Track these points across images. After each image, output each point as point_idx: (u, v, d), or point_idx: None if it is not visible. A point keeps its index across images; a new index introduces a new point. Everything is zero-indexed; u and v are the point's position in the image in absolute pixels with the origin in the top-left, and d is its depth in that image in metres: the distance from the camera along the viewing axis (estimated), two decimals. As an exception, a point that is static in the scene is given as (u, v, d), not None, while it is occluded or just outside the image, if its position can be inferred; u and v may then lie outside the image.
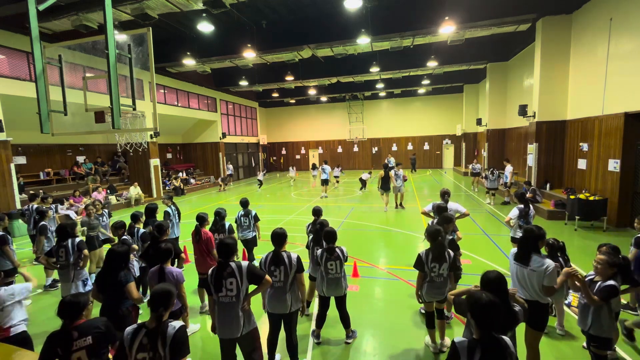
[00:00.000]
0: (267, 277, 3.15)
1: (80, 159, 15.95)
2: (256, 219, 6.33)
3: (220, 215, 5.56)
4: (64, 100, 4.82)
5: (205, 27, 12.00)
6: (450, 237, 4.56)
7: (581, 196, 8.99)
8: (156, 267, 3.72)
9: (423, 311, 4.58)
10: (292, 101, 29.32)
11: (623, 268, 3.17)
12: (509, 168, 12.93)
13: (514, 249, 3.44)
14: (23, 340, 3.28)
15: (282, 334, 3.66)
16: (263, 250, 3.79)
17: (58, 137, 7.95)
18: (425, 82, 22.99)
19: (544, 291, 3.17)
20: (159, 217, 6.13)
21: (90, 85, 5.82)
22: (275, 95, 26.42)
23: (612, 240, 4.16)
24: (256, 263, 3.35)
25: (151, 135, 15.41)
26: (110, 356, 2.67)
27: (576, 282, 3.19)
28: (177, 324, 2.31)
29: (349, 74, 19.58)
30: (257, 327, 3.22)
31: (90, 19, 9.71)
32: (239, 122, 26.05)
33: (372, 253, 7.70)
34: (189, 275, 5.71)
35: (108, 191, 14.86)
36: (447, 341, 4.02)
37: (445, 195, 5.97)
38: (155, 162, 16.97)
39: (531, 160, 12.28)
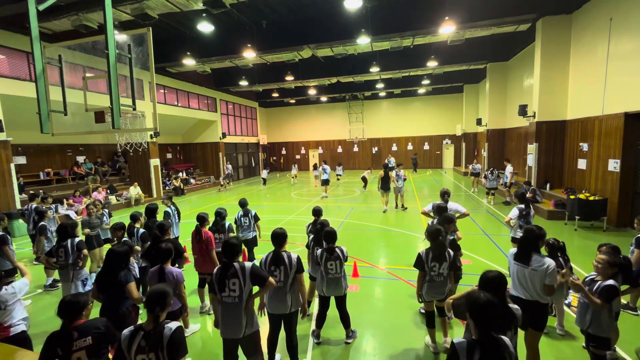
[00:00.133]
0: (271, 279, 3.12)
1: (80, 159, 15.96)
2: (256, 218, 6.34)
3: (220, 215, 5.57)
4: (64, 100, 4.83)
5: (205, 27, 12.00)
6: (452, 238, 4.56)
7: (581, 196, 8.99)
8: (156, 267, 3.72)
9: (423, 311, 4.58)
10: (292, 101, 29.32)
11: (624, 268, 3.17)
12: (509, 168, 12.93)
13: (513, 249, 3.44)
14: (23, 340, 3.29)
15: (282, 334, 3.66)
16: (263, 250, 3.79)
17: (58, 137, 7.95)
18: (425, 82, 22.99)
19: (545, 290, 3.17)
20: (159, 217, 6.13)
21: (90, 85, 5.82)
22: (275, 95, 26.41)
23: (612, 240, 4.16)
24: (256, 263, 3.34)
25: (151, 135, 15.41)
26: (110, 356, 2.67)
27: (578, 289, 3.20)
28: (173, 324, 2.31)
29: (349, 74, 19.58)
30: (259, 330, 3.21)
31: (90, 19, 9.71)
32: (239, 122, 26.05)
33: (372, 253, 7.70)
34: (189, 275, 5.71)
35: (108, 191, 14.86)
36: (450, 340, 4.02)
37: (445, 195, 5.97)
38: (155, 162, 16.97)
39: (531, 160, 12.28)
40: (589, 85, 10.09)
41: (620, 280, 3.16)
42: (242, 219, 6.27)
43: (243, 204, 6.41)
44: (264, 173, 21.02)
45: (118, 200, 14.89)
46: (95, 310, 3.54)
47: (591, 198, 8.75)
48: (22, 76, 11.41)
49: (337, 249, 4.07)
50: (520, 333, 2.92)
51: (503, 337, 2.04)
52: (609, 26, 9.05)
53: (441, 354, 3.93)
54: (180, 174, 20.19)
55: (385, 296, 5.57)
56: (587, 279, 3.28)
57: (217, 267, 3.14)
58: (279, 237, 3.56)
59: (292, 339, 3.59)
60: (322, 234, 4.29)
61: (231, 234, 5.56)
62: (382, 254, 7.70)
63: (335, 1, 11.64)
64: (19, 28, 11.04)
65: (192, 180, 20.53)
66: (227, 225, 5.57)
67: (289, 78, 19.75)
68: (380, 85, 23.80)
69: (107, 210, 7.28)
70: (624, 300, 4.55)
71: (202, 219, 5.11)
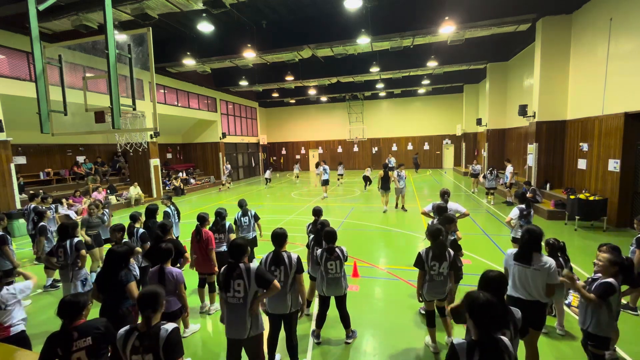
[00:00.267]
0: (276, 282, 3.07)
1: (80, 159, 15.96)
2: (256, 217, 6.37)
3: (221, 215, 5.58)
4: (64, 100, 4.83)
5: (205, 27, 12.00)
6: (452, 238, 4.56)
7: (581, 196, 8.99)
8: (156, 267, 3.73)
9: (423, 312, 4.57)
10: (292, 101, 29.32)
11: (625, 268, 3.16)
12: (509, 168, 12.92)
13: (512, 250, 3.42)
14: (22, 340, 3.29)
15: (282, 334, 3.66)
16: (263, 250, 3.79)
17: (58, 137, 7.95)
18: (425, 82, 22.99)
19: (546, 290, 3.17)
20: (159, 217, 6.13)
21: (90, 85, 5.82)
22: (275, 95, 26.41)
23: (612, 240, 4.16)
24: (256, 262, 3.34)
25: (151, 135, 15.41)
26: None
27: (574, 285, 3.25)
28: (169, 326, 2.29)
29: (349, 74, 19.58)
30: (263, 332, 3.19)
31: (90, 19, 9.71)
32: (239, 122, 26.05)
33: (372, 253, 7.70)
34: (189, 275, 5.71)
35: (108, 191, 14.86)
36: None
37: (445, 195, 5.96)
38: (155, 162, 16.97)
39: (531, 160, 12.27)
40: (589, 85, 10.09)
41: (620, 280, 3.15)
42: (241, 219, 6.28)
43: (242, 204, 6.43)
44: (267, 173, 21.16)
45: (118, 200, 14.89)
46: (95, 310, 3.54)
47: (591, 198, 8.75)
48: (22, 76, 11.41)
49: (337, 249, 4.07)
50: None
51: (503, 337, 2.03)
52: (609, 26, 9.05)
53: (442, 353, 3.93)
54: (180, 174, 20.19)
55: (385, 296, 5.57)
56: (589, 280, 3.29)
57: (223, 267, 3.14)
58: (279, 237, 3.56)
59: (292, 339, 3.59)
60: (322, 234, 4.29)
61: (232, 235, 5.57)
62: (382, 254, 7.70)
63: (335, 1, 11.64)
64: (19, 28, 11.03)
65: (192, 180, 20.53)
66: (227, 226, 5.57)
67: (289, 78, 19.74)
68: (380, 85, 23.80)
69: (107, 210, 7.29)
70: (624, 300, 4.55)
71: (202, 218, 5.12)
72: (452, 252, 3.91)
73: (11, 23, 10.69)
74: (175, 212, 6.94)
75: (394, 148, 28.76)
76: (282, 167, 31.60)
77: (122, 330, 2.33)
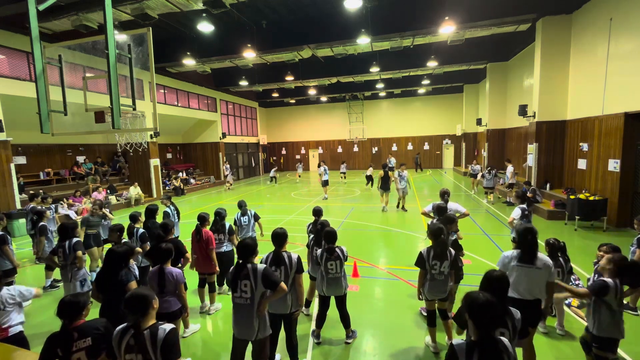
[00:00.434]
0: (283, 285, 3.05)
1: (80, 159, 15.95)
2: (256, 217, 6.42)
3: (220, 215, 5.58)
4: (64, 100, 4.82)
5: (205, 27, 11.99)
6: (453, 238, 4.56)
7: (581, 196, 8.99)
8: (156, 268, 3.73)
9: (425, 313, 4.56)
10: (292, 101, 29.32)
11: (623, 270, 3.14)
12: (510, 168, 12.91)
13: (508, 252, 3.38)
14: (20, 341, 3.28)
15: (282, 334, 3.66)
16: (263, 250, 3.78)
17: (58, 137, 7.95)
18: (425, 82, 22.99)
19: (547, 288, 3.20)
20: (159, 217, 6.13)
21: (90, 85, 5.82)
22: (275, 95, 26.41)
23: (612, 240, 4.16)
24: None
25: (151, 135, 15.40)
26: None
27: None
28: (167, 326, 2.27)
29: (349, 74, 19.58)
30: (270, 336, 3.19)
31: (90, 19, 9.71)
32: (239, 122, 26.05)
33: (372, 253, 7.70)
34: (189, 276, 5.70)
35: (108, 191, 14.86)
36: None
37: (445, 195, 5.96)
38: (155, 162, 16.97)
39: (531, 160, 12.27)
40: (589, 85, 10.09)
41: (619, 281, 3.15)
42: (241, 218, 6.30)
43: (241, 204, 6.46)
44: (272, 172, 21.70)
45: (118, 200, 14.88)
46: (94, 310, 3.53)
47: (591, 198, 8.75)
48: (22, 76, 11.41)
49: (337, 249, 4.07)
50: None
51: (502, 338, 2.03)
52: (609, 26, 9.05)
53: (442, 353, 3.93)
54: (180, 174, 20.19)
55: (385, 296, 5.57)
56: (589, 280, 3.30)
57: (232, 267, 3.14)
58: (279, 237, 3.56)
59: (292, 339, 3.59)
60: (322, 234, 4.29)
61: (233, 235, 5.58)
62: (382, 254, 7.70)
63: (335, 1, 11.64)
64: (19, 28, 11.03)
65: (192, 180, 20.52)
66: (227, 226, 5.57)
67: (289, 78, 19.74)
68: (380, 85, 23.80)
69: (108, 210, 7.31)
70: (624, 300, 4.55)
71: (202, 218, 5.14)
72: (453, 252, 3.92)
73: (11, 23, 10.69)
74: (175, 212, 6.95)
75: (394, 148, 28.76)
76: (282, 167, 31.59)
77: (119, 327, 2.32)
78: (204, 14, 11.81)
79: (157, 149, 17.37)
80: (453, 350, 2.00)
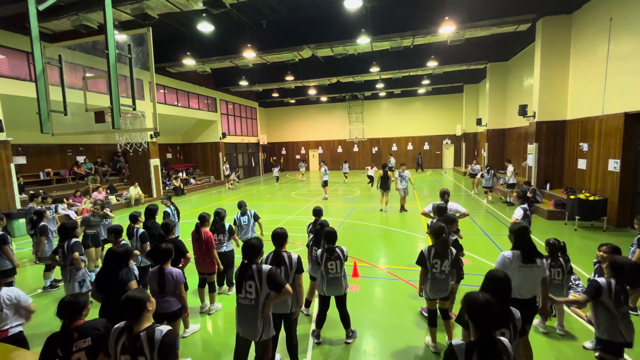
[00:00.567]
0: (288, 286, 3.02)
1: (80, 159, 15.95)
2: (256, 217, 6.43)
3: (219, 215, 5.58)
4: (64, 100, 4.82)
5: (205, 27, 12.00)
6: (454, 238, 4.55)
7: (581, 196, 8.99)
8: (156, 268, 3.72)
9: (425, 313, 4.56)
10: (292, 101, 29.32)
11: (616, 269, 3.12)
12: (510, 168, 12.90)
13: (508, 254, 3.33)
14: (20, 341, 3.26)
15: (282, 334, 3.66)
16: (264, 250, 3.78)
17: (58, 137, 7.94)
18: (425, 82, 22.99)
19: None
20: (159, 217, 6.13)
21: (90, 85, 5.82)
22: (275, 95, 26.41)
23: (612, 240, 4.16)
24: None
25: (151, 135, 15.40)
26: None
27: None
28: (164, 328, 2.26)
29: (349, 74, 19.57)
30: (273, 337, 3.18)
31: (90, 19, 9.71)
32: (239, 122, 26.05)
33: (372, 253, 7.70)
34: (189, 276, 5.71)
35: (108, 191, 14.86)
36: None
37: (445, 195, 5.96)
38: (155, 162, 16.97)
39: (531, 160, 12.27)
40: (589, 85, 10.09)
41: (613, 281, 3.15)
42: (241, 218, 6.31)
43: (241, 205, 6.47)
44: (275, 171, 21.94)
45: (118, 200, 14.88)
46: (94, 310, 3.52)
47: (591, 198, 8.75)
48: (22, 76, 11.41)
49: (337, 249, 4.07)
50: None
51: (502, 338, 2.03)
52: (609, 26, 9.04)
53: (442, 353, 3.93)
54: (180, 174, 20.19)
55: (385, 296, 5.57)
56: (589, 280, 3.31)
57: (235, 267, 3.13)
58: (279, 237, 3.55)
59: (292, 338, 3.59)
60: (321, 234, 4.29)
61: (234, 235, 5.59)
62: (382, 254, 7.70)
63: (335, 1, 11.64)
64: (19, 28, 11.03)
65: (192, 180, 20.52)
66: (227, 226, 5.58)
67: (289, 78, 19.74)
68: (380, 85, 23.80)
69: (109, 210, 7.32)
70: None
71: (202, 218, 5.14)
72: (454, 250, 3.92)
73: (11, 23, 10.69)
74: (175, 212, 6.95)
75: (394, 148, 28.76)
76: (282, 167, 31.59)
77: (117, 326, 2.32)
78: (204, 14, 11.82)
79: (157, 149, 17.37)
80: (452, 350, 2.00)
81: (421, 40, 14.20)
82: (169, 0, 9.32)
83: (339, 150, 30.14)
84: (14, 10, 8.96)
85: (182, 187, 18.43)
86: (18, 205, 10.79)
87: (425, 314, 4.61)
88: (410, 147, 28.53)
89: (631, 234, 7.61)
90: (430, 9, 11.95)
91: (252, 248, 3.08)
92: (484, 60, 17.81)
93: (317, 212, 5.10)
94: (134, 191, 15.36)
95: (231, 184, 20.48)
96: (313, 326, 4.42)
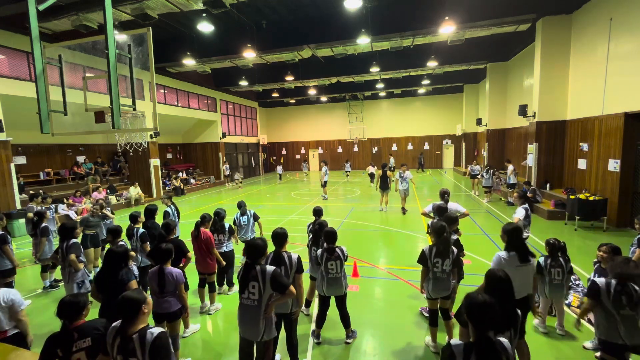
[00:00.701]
0: (292, 288, 3.01)
1: (80, 159, 15.95)
2: (255, 217, 6.43)
3: (219, 215, 5.58)
4: (64, 100, 4.82)
5: (205, 27, 12.00)
6: (455, 238, 4.55)
7: (581, 196, 8.99)
8: (156, 268, 3.72)
9: (426, 315, 4.55)
10: (292, 101, 29.32)
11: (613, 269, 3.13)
12: (510, 168, 12.89)
13: (503, 254, 3.36)
14: (20, 341, 3.25)
15: (282, 334, 3.66)
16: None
17: (58, 137, 7.94)
18: (425, 82, 22.99)
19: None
20: (159, 217, 6.13)
21: (90, 85, 5.81)
22: (275, 95, 26.41)
23: (612, 240, 4.16)
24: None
25: (151, 135, 15.40)
26: None
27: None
28: (156, 330, 2.25)
29: (349, 74, 19.58)
30: (274, 338, 3.18)
31: (90, 19, 9.71)
32: (239, 122, 26.05)
33: (372, 253, 7.70)
34: (190, 276, 5.71)
35: (108, 191, 14.86)
36: None
37: (444, 195, 5.95)
38: (155, 162, 16.97)
39: (531, 160, 12.27)
40: (589, 85, 10.09)
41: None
42: (240, 218, 6.32)
43: (241, 205, 6.47)
44: (279, 169, 23.16)
45: (118, 200, 14.88)
46: (94, 310, 3.53)
47: (591, 198, 8.75)
48: (22, 76, 11.41)
49: (337, 249, 4.07)
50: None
51: (502, 338, 2.03)
52: (609, 26, 9.04)
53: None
54: (180, 174, 20.20)
55: (385, 296, 5.57)
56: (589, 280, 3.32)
57: (235, 267, 3.13)
58: (279, 237, 3.56)
59: (292, 338, 3.59)
60: (319, 234, 4.29)
61: (234, 235, 5.60)
62: (382, 254, 7.70)
63: (335, 1, 11.64)
64: (19, 28, 11.03)
65: (192, 180, 20.53)
66: (226, 227, 5.58)
67: (289, 78, 19.74)
68: (380, 85, 23.80)
69: (109, 209, 7.32)
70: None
71: (203, 218, 5.16)
72: (455, 250, 3.93)
73: (11, 23, 10.69)
74: (175, 211, 6.95)
75: (394, 148, 28.77)
76: (283, 167, 31.58)
77: (112, 326, 2.32)
78: (204, 14, 11.81)
79: (157, 149, 17.37)
80: (451, 350, 2.00)
81: (421, 40, 14.20)
82: (169, 0, 9.32)
83: (339, 150, 30.14)
84: (14, 10, 8.96)
85: (182, 187, 18.43)
86: (18, 205, 10.79)
87: (425, 314, 4.61)
88: (410, 147, 28.54)
89: (631, 234, 7.61)
90: (430, 9, 11.95)
91: (256, 249, 3.07)
92: (484, 60, 17.81)
93: (317, 212, 5.10)
94: (134, 191, 15.36)
95: (236, 184, 20.53)
96: (313, 326, 4.42)
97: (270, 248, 3.60)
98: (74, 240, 4.65)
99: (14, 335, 3.23)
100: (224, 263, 5.22)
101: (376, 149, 29.21)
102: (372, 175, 17.81)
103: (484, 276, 2.61)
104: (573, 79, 11.13)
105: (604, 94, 9.29)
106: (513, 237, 3.37)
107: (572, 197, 9.20)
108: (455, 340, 2.05)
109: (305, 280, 4.44)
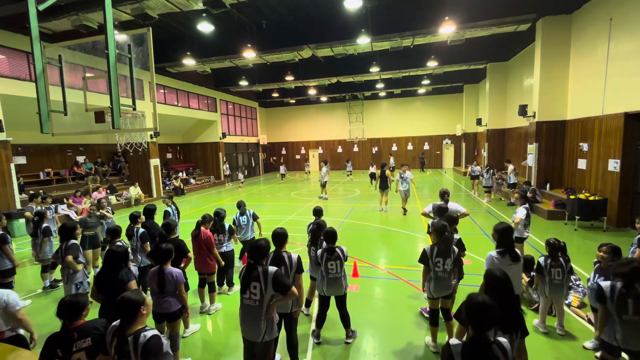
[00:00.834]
0: (294, 289, 3.00)
1: (80, 159, 15.95)
2: (255, 217, 6.42)
3: (219, 215, 5.58)
4: (64, 100, 4.82)
5: (205, 27, 12.00)
6: (458, 238, 4.55)
7: (581, 196, 8.99)
8: (156, 268, 3.72)
9: (426, 315, 4.55)
10: (292, 101, 29.32)
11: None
12: (510, 167, 12.89)
13: (494, 254, 3.43)
14: (20, 341, 3.25)
15: (282, 334, 3.66)
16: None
17: (58, 137, 7.94)
18: (425, 82, 22.99)
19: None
20: (159, 216, 6.13)
21: (90, 85, 5.82)
22: (275, 95, 26.41)
23: (612, 240, 4.15)
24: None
25: (151, 135, 15.40)
26: None
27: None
28: (149, 333, 2.24)
29: (349, 74, 19.58)
30: (275, 339, 3.18)
31: (90, 19, 9.71)
32: (239, 122, 26.05)
33: (372, 253, 7.70)
34: (190, 276, 5.71)
35: (108, 191, 14.86)
36: None
37: (444, 195, 5.95)
38: (155, 162, 16.97)
39: (531, 160, 12.27)
40: (589, 85, 10.09)
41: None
42: (240, 218, 6.31)
43: (240, 204, 6.47)
44: (282, 168, 23.58)
45: (118, 200, 14.88)
46: (94, 310, 3.53)
47: (591, 198, 8.75)
48: (22, 76, 11.41)
49: (337, 249, 4.07)
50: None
51: (501, 339, 2.03)
52: (609, 26, 9.04)
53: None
54: (180, 174, 20.20)
55: (385, 296, 5.57)
56: (589, 280, 3.32)
57: (242, 267, 3.13)
58: (279, 237, 3.56)
59: (292, 338, 3.59)
60: (318, 234, 4.28)
61: (234, 235, 5.60)
62: (382, 254, 7.69)
63: (335, 1, 11.64)
64: (19, 28, 11.03)
65: (192, 180, 20.53)
66: (226, 227, 5.58)
67: (289, 78, 19.74)
68: (380, 85, 23.80)
69: (109, 208, 7.32)
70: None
71: (204, 218, 5.16)
72: (456, 249, 3.93)
73: (11, 23, 10.69)
74: (176, 211, 6.95)
75: (394, 148, 28.77)
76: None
77: (112, 325, 2.33)
78: (204, 14, 11.81)
79: (157, 149, 17.37)
80: (450, 350, 2.01)
81: (421, 40, 14.20)
82: (169, 0, 9.32)
83: (339, 150, 30.14)
84: (14, 10, 8.96)
85: (182, 187, 18.43)
86: (18, 205, 10.79)
87: (425, 314, 4.61)
88: (410, 147, 28.55)
89: (631, 234, 7.61)
90: (430, 9, 11.95)
91: (259, 249, 3.06)
92: (484, 60, 17.81)
93: (317, 212, 5.10)
94: (134, 191, 15.36)
95: (240, 186, 20.60)
96: (313, 326, 4.42)
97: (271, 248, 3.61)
98: (72, 241, 4.62)
99: (15, 335, 3.22)
100: (223, 263, 5.22)
101: (376, 149, 29.21)
102: (372, 175, 17.77)
103: (483, 276, 2.62)
104: (573, 79, 11.13)
105: (604, 94, 9.29)
106: (504, 236, 3.40)
107: (572, 197, 9.20)
108: (454, 340, 2.05)
109: (305, 280, 4.44)
